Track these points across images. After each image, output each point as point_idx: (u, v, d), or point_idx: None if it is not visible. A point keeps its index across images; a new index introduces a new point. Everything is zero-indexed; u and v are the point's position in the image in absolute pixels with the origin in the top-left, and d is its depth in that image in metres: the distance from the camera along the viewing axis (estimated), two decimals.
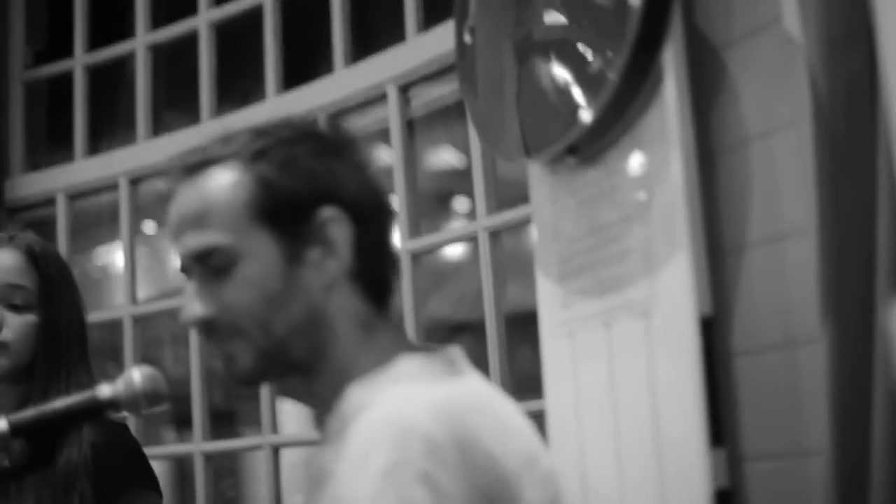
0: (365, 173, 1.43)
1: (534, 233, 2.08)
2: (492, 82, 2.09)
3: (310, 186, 1.37)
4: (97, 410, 1.58)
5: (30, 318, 2.11)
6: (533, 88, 1.96)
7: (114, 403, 1.55)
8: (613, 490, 1.83)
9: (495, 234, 2.65)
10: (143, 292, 3.59)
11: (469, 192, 2.81)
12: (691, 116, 1.78)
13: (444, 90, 3.03)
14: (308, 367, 1.40)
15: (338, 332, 1.39)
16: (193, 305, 1.39)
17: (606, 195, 1.87)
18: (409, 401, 1.28)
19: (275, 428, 3.10)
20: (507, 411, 1.37)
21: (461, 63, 2.21)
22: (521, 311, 2.73)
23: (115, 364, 3.47)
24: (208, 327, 1.39)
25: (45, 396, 2.01)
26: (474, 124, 2.18)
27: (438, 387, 1.32)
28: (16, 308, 2.11)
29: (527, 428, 1.39)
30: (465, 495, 1.22)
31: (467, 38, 2.20)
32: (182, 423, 4.44)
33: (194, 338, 3.24)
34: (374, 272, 1.41)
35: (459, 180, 3.80)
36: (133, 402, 1.55)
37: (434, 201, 3.81)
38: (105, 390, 1.55)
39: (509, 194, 2.68)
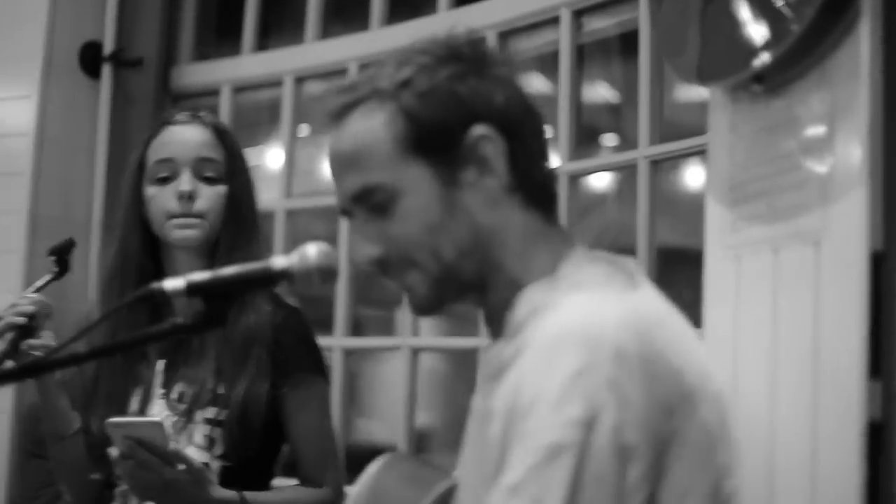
0: (509, 86, 1.42)
1: (708, 155, 2.12)
2: (679, 9, 2.12)
3: (455, 110, 1.38)
4: (269, 280, 1.55)
5: (220, 188, 2.19)
6: (720, 19, 1.98)
7: (286, 275, 1.50)
8: (765, 416, 1.87)
9: (655, 164, 2.66)
10: None
11: (617, 129, 2.82)
12: (882, 56, 1.80)
13: (607, 23, 3.05)
14: (482, 284, 1.42)
15: (507, 245, 1.40)
16: (363, 247, 1.41)
17: (788, 125, 1.90)
18: (597, 309, 1.30)
19: (415, 331, 3.19)
20: (683, 326, 1.41)
21: None
22: (660, 247, 2.77)
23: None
24: (381, 265, 1.41)
25: (227, 266, 2.08)
26: (654, 31, 2.18)
27: (623, 298, 1.34)
28: (207, 180, 2.19)
29: (700, 344, 1.43)
30: (646, 405, 1.25)
31: None
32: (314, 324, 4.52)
33: (343, 238, 3.32)
34: (534, 181, 1.42)
35: (607, 116, 3.80)
36: (306, 276, 1.50)
37: (583, 133, 3.83)
38: (279, 261, 1.51)
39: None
